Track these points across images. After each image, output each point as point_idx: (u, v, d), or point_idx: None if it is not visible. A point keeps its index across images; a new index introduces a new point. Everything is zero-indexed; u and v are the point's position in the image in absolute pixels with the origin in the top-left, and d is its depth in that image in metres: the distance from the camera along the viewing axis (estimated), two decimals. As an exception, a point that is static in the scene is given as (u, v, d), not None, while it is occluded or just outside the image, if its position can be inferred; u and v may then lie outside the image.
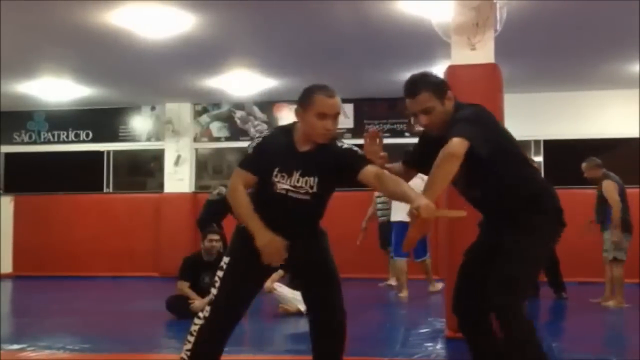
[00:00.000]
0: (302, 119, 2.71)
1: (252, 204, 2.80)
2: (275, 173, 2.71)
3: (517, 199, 2.76)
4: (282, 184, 2.71)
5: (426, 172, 2.78)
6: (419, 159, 2.94)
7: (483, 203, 2.87)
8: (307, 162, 2.70)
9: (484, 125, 2.65)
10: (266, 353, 4.62)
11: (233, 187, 2.77)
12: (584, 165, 6.87)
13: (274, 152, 2.72)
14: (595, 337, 5.49)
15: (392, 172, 2.82)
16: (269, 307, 6.42)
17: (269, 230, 2.70)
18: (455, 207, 3.01)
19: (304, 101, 2.70)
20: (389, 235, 7.72)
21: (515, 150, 2.84)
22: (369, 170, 2.64)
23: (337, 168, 2.71)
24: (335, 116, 2.69)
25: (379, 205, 8.27)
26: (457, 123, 2.62)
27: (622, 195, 6.59)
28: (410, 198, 2.41)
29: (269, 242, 2.68)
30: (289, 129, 2.80)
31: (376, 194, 8.21)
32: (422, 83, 2.77)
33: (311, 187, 2.71)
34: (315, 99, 2.66)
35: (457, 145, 2.50)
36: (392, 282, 8.34)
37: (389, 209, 7.75)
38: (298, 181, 2.70)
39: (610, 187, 6.56)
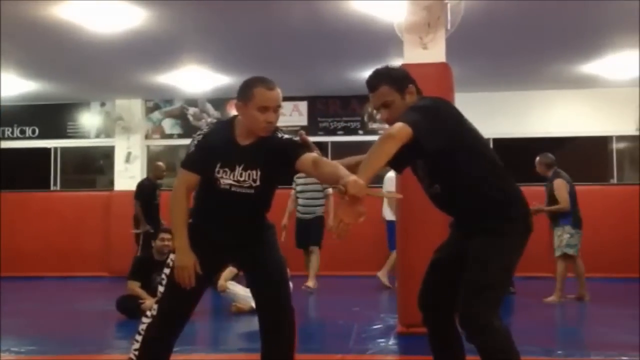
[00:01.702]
0: (244, 113, 2.68)
1: (197, 200, 2.77)
2: (217, 169, 2.68)
3: (483, 202, 2.66)
4: (225, 179, 2.68)
5: (393, 167, 2.78)
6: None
7: (444, 201, 2.75)
8: (250, 156, 2.69)
9: (436, 117, 2.55)
10: (219, 352, 4.60)
11: (175, 191, 2.73)
12: (537, 159, 7.03)
13: (215, 147, 2.69)
14: (542, 331, 5.65)
15: (350, 165, 2.74)
16: (222, 305, 6.38)
17: (215, 224, 2.72)
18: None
19: (244, 95, 2.66)
20: (311, 232, 7.67)
21: (482, 149, 2.72)
22: (307, 157, 2.62)
23: (279, 159, 2.69)
24: (276, 108, 2.67)
25: (305, 201, 7.82)
26: (407, 110, 2.58)
27: (572, 191, 6.80)
28: (340, 176, 2.33)
29: (186, 267, 2.67)
30: (229, 123, 2.77)
31: (298, 188, 7.83)
32: (381, 76, 2.73)
33: (254, 181, 2.70)
34: (255, 93, 2.63)
35: (397, 128, 2.43)
36: (311, 284, 7.62)
37: (318, 205, 7.68)
38: (241, 175, 2.68)
39: (561, 186, 6.75)
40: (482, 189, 2.65)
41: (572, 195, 6.82)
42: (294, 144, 2.72)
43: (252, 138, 2.71)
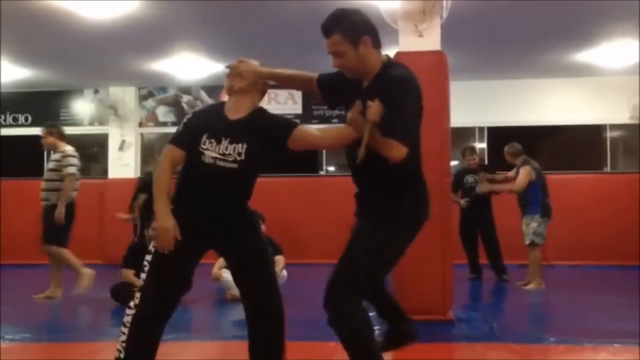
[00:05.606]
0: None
1: (180, 183, 2.79)
2: (204, 140, 2.69)
3: (393, 178, 2.52)
4: (211, 152, 2.68)
5: (330, 104, 2.90)
6: (332, 90, 2.84)
7: (362, 168, 2.54)
8: (237, 129, 2.72)
9: (418, 109, 2.55)
10: (213, 339, 4.61)
11: (160, 164, 2.78)
12: (505, 149, 7.09)
13: (204, 121, 2.77)
14: (534, 317, 5.69)
15: (296, 76, 2.96)
16: (217, 293, 6.39)
17: (196, 207, 2.71)
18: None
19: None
20: (42, 225, 6.40)
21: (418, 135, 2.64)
22: (306, 128, 2.76)
23: (269, 136, 2.72)
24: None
25: (44, 184, 6.43)
26: (398, 112, 2.42)
27: (541, 180, 6.83)
28: (344, 127, 2.62)
29: (167, 229, 2.65)
30: (221, 102, 2.90)
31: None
32: (335, 24, 2.60)
33: (239, 154, 2.69)
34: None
35: (401, 153, 2.40)
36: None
37: (52, 190, 6.36)
38: (227, 149, 2.69)
39: (524, 172, 6.77)
40: (401, 166, 2.47)
41: (543, 184, 6.84)
42: (285, 122, 2.78)
43: (241, 113, 2.75)
